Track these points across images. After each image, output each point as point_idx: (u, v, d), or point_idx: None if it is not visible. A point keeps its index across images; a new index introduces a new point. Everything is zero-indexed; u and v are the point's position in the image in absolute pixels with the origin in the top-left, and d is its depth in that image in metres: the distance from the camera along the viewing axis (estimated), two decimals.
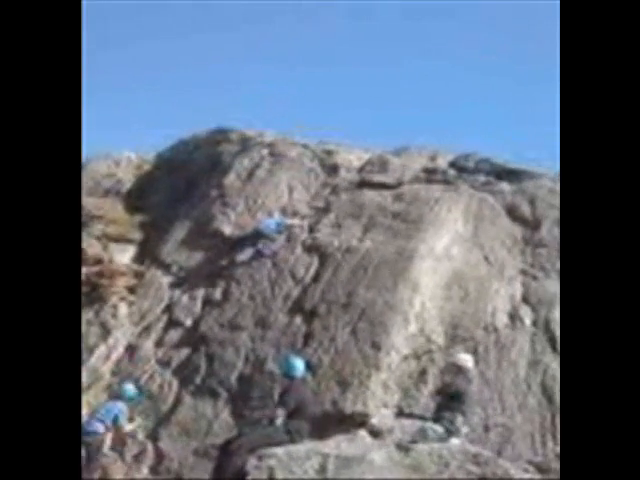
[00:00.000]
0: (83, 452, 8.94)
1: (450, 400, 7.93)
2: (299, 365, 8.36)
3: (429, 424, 8.14)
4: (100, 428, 9.09)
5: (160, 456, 9.58)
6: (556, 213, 12.88)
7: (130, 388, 9.88)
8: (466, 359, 8.48)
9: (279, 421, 7.83)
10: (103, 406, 9.55)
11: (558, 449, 8.61)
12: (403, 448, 6.43)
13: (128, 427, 9.63)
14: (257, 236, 12.57)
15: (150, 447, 9.74)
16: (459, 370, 8.22)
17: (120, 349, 11.20)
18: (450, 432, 7.75)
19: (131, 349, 11.18)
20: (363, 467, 5.86)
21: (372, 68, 53.50)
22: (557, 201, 13.16)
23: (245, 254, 12.38)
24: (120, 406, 9.50)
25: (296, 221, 13.11)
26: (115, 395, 9.84)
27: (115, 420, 9.33)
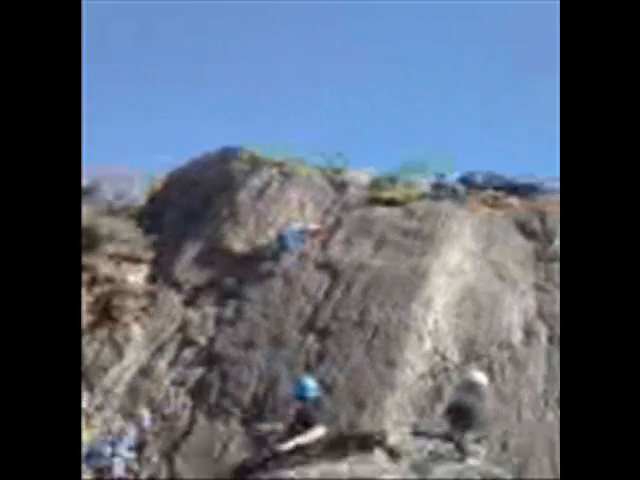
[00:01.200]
0: (94, 476, 9.00)
1: (462, 418, 7.90)
2: (312, 386, 8.35)
3: (441, 443, 8.11)
4: (108, 451, 9.14)
5: (174, 477, 9.54)
6: None
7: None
8: (478, 376, 8.44)
9: (292, 442, 7.83)
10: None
11: None
12: (418, 469, 6.40)
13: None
14: (280, 243, 12.81)
15: (164, 469, 9.70)
16: (472, 387, 8.19)
17: (134, 370, 11.19)
18: (461, 449, 7.71)
19: (145, 370, 11.17)
20: None
21: (380, 84, 53.73)
22: None
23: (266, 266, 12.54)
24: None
25: (317, 226, 13.35)
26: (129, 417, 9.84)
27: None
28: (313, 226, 13.38)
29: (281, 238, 12.90)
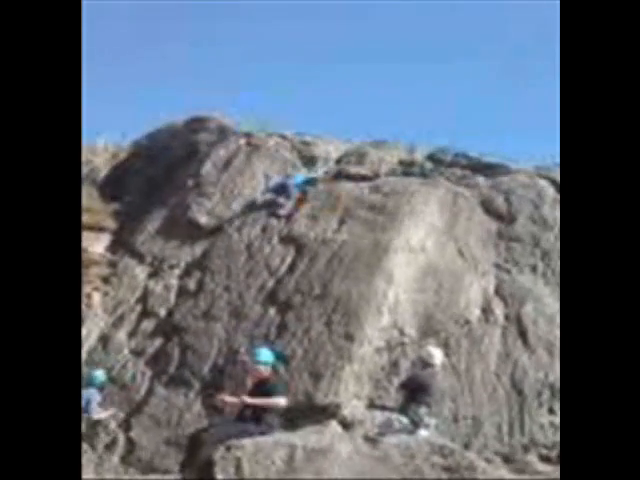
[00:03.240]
0: None
1: (415, 392, 8.06)
2: (269, 357, 8.39)
3: (395, 415, 8.27)
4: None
5: (131, 446, 9.58)
6: (531, 208, 13.03)
7: (100, 374, 9.91)
8: (433, 353, 8.59)
9: (249, 412, 7.88)
10: None
11: (525, 440, 8.78)
12: (370, 440, 6.52)
13: (101, 415, 9.66)
14: (281, 189, 13.13)
15: (121, 437, 9.73)
16: (426, 363, 8.34)
17: (93, 339, 11.12)
18: (415, 423, 7.88)
19: (104, 339, 11.11)
20: (330, 459, 5.92)
21: (353, 62, 53.28)
22: (532, 196, 13.32)
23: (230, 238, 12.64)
24: (91, 392, 9.53)
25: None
26: (85, 382, 9.77)
27: (86, 407, 9.34)
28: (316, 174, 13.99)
29: (282, 185, 13.18)
